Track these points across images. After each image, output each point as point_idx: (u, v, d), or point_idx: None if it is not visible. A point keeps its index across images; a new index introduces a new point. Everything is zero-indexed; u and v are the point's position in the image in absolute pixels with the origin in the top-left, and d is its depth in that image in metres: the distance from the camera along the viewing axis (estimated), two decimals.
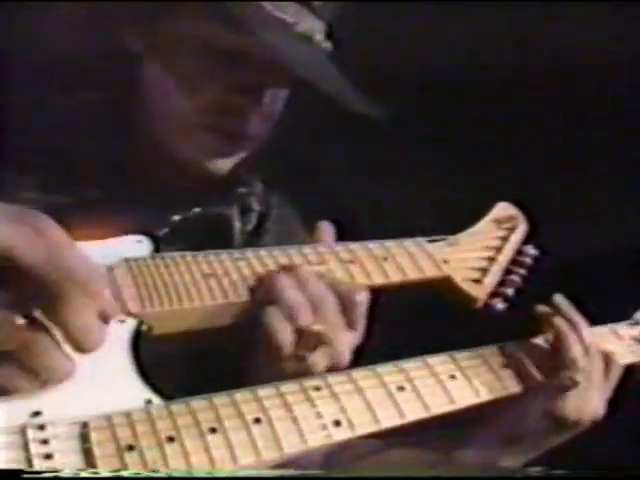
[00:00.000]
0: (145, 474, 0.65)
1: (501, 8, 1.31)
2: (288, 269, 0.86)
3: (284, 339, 0.81)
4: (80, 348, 0.66)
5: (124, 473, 0.65)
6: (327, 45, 1.00)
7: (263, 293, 0.84)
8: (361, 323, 0.86)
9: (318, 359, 0.83)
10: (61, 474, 0.63)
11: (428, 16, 1.32)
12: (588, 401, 0.90)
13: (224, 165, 1.04)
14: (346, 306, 0.84)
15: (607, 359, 0.92)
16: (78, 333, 0.65)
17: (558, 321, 0.91)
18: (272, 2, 0.95)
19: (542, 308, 0.94)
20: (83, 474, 0.64)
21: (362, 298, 0.85)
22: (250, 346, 0.85)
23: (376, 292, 0.89)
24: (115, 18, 0.97)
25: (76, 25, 0.97)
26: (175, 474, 0.66)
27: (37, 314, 0.65)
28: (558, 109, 1.43)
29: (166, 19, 0.97)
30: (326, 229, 0.94)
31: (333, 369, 0.83)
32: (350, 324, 0.84)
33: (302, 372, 0.80)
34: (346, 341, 0.84)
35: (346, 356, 0.84)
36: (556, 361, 0.89)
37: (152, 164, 1.01)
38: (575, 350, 0.89)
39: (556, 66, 1.42)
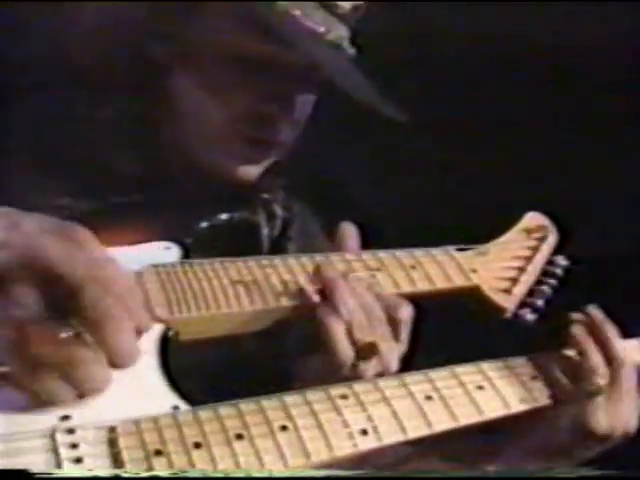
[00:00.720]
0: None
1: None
2: (344, 276, 0.87)
3: (345, 351, 0.84)
4: (117, 364, 0.69)
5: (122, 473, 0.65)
6: (352, 51, 1.00)
7: (323, 299, 0.86)
8: (406, 334, 0.88)
9: (369, 368, 0.85)
10: (62, 474, 0.63)
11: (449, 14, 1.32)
12: (619, 413, 0.88)
13: (254, 172, 1.05)
14: (393, 318, 0.86)
15: (638, 372, 0.91)
16: (117, 350, 0.68)
17: (578, 329, 0.90)
18: (303, 13, 0.95)
19: (567, 317, 0.93)
20: (84, 474, 0.64)
21: (408, 313, 0.88)
22: (303, 348, 0.88)
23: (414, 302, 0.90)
24: (144, 28, 0.98)
25: (106, 35, 0.98)
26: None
27: (78, 328, 0.67)
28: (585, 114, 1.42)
29: (197, 29, 0.98)
30: (349, 230, 0.95)
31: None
32: (396, 336, 0.87)
33: (353, 379, 0.82)
34: (393, 351, 0.86)
35: (394, 366, 0.86)
36: (580, 370, 0.88)
37: (181, 172, 1.02)
38: (595, 356, 0.88)
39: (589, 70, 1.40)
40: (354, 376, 0.83)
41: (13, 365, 0.65)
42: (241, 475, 0.67)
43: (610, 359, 0.89)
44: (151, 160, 1.01)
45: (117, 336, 0.67)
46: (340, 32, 0.99)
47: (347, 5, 0.98)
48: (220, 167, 1.02)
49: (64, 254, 0.65)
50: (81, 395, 0.67)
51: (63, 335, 0.66)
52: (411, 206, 1.07)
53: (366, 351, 0.83)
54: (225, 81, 0.97)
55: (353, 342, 0.83)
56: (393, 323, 0.86)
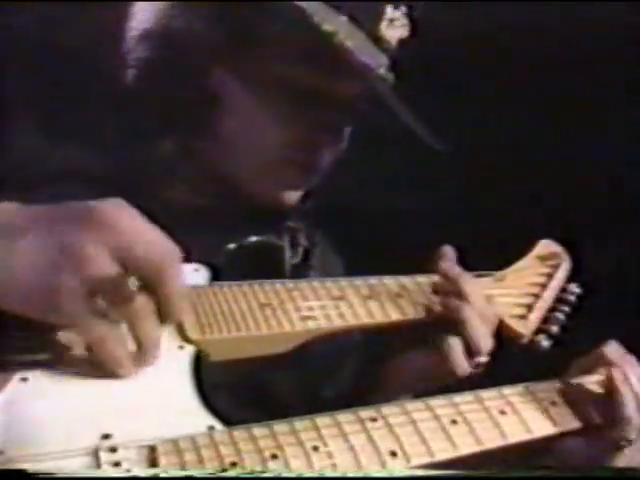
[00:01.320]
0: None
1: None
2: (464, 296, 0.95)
3: (464, 370, 0.94)
4: (145, 361, 0.75)
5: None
6: (390, 77, 1.03)
7: (444, 317, 0.95)
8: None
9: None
10: (62, 474, 0.65)
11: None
12: None
13: (294, 197, 1.07)
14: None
15: None
16: (151, 346, 0.75)
17: (614, 372, 0.88)
18: (357, 47, 0.98)
19: (596, 353, 0.93)
20: (87, 474, 0.66)
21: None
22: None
23: None
24: (201, 55, 1.01)
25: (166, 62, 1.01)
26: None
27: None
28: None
29: (258, 57, 1.00)
30: (449, 253, 1.00)
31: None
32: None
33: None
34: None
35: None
36: (609, 413, 0.88)
37: (216, 195, 1.04)
38: (630, 407, 0.87)
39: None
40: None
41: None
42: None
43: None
44: (196, 186, 1.03)
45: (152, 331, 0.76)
46: (382, 61, 1.01)
47: (394, 41, 1.01)
48: (266, 192, 1.04)
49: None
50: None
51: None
52: (430, 233, 1.09)
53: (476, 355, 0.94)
54: (279, 109, 1.00)
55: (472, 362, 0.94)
56: None
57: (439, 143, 0.99)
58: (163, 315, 0.76)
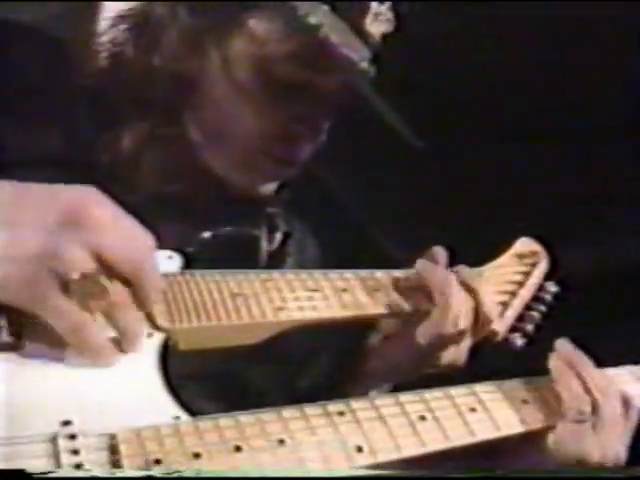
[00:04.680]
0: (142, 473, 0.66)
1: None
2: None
3: (448, 332, 0.93)
4: (127, 350, 0.75)
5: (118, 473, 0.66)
6: (372, 71, 1.03)
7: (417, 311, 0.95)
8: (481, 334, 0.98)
9: (448, 356, 0.96)
10: (63, 474, 0.64)
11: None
12: (606, 443, 0.89)
13: (270, 188, 1.07)
14: (480, 320, 0.96)
15: (625, 401, 0.92)
16: (133, 335, 0.75)
17: (554, 362, 0.91)
18: (341, 41, 0.97)
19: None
20: (84, 474, 0.65)
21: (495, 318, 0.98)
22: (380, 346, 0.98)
23: None
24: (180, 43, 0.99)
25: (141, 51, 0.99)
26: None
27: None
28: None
29: (239, 44, 0.99)
30: (440, 255, 1.00)
31: (452, 367, 0.97)
32: (476, 333, 0.97)
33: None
34: (467, 344, 0.97)
35: (464, 358, 0.97)
36: (561, 402, 0.89)
37: (190, 182, 1.02)
38: (573, 387, 0.89)
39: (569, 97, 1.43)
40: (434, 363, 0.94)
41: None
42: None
43: (588, 389, 0.90)
44: (169, 173, 1.02)
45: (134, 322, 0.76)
46: (364, 55, 1.01)
47: (378, 35, 1.01)
48: (240, 181, 1.03)
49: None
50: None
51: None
52: (408, 228, 1.09)
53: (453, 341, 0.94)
54: (258, 99, 0.99)
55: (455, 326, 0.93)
56: (478, 319, 0.96)
57: (418, 139, 0.98)
58: (139, 305, 0.76)
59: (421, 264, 0.98)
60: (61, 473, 0.64)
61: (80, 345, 0.72)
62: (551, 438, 0.87)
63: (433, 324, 0.93)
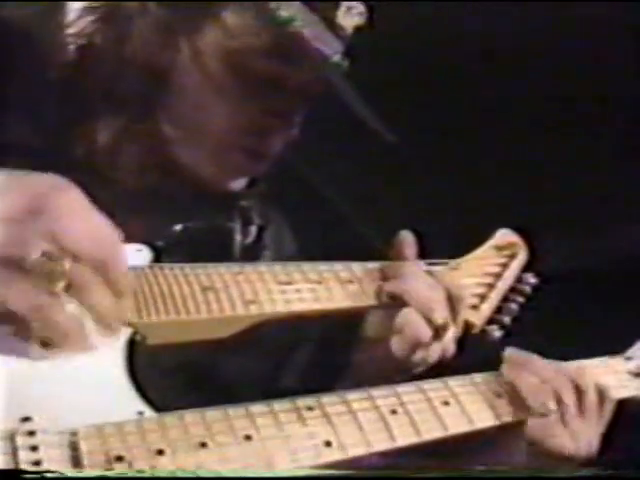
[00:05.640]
0: (131, 474, 0.65)
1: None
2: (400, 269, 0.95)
3: (425, 335, 0.92)
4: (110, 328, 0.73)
5: (110, 474, 0.65)
6: (345, 65, 1.01)
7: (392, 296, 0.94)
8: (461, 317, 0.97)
9: (436, 351, 0.94)
10: (61, 474, 0.63)
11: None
12: (579, 434, 0.89)
13: (241, 183, 1.05)
14: (454, 304, 0.94)
15: (600, 392, 0.92)
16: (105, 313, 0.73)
17: (507, 370, 0.91)
18: (313, 35, 0.96)
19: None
20: (82, 474, 0.64)
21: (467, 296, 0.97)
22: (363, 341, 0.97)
23: None
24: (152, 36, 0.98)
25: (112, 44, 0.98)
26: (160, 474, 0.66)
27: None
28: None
29: (210, 37, 0.98)
30: (408, 239, 0.99)
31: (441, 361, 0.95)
32: (454, 318, 0.95)
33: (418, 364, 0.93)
34: (453, 336, 0.95)
35: (453, 348, 0.95)
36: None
37: (162, 174, 1.01)
38: (531, 383, 0.88)
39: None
40: (422, 362, 0.93)
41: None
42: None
43: (546, 382, 0.90)
44: (141, 166, 1.00)
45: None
46: (337, 48, 0.99)
47: (350, 27, 0.99)
48: (213, 176, 1.02)
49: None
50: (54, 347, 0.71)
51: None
52: (386, 219, 1.08)
53: (441, 330, 0.92)
54: (230, 92, 0.98)
55: (430, 322, 0.91)
56: (454, 308, 0.94)
57: (390, 133, 0.97)
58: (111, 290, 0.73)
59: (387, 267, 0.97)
60: (63, 473, 0.63)
61: (44, 325, 0.70)
62: (523, 434, 0.86)
63: (407, 330, 0.92)
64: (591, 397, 0.90)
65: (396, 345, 0.92)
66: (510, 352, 0.93)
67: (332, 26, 0.98)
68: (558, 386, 0.89)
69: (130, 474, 0.65)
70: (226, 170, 1.03)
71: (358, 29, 1.00)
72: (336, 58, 1.00)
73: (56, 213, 0.70)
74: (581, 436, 0.89)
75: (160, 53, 0.98)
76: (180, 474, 0.67)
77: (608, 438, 0.91)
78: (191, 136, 1.00)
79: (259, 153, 1.02)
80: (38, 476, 0.62)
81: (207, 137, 1.00)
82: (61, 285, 0.70)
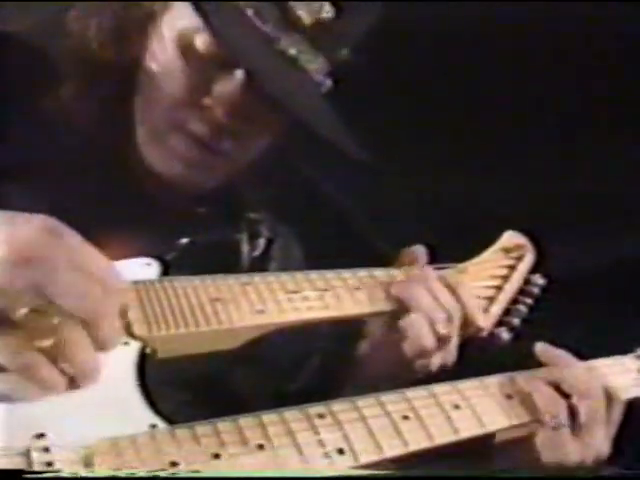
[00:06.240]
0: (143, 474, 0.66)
1: None
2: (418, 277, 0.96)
3: (429, 343, 0.93)
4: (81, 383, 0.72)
5: (120, 474, 0.65)
6: (328, 82, 1.00)
7: (399, 301, 0.95)
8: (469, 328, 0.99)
9: (437, 359, 0.95)
10: (61, 474, 0.64)
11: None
12: (588, 446, 0.88)
13: (203, 178, 1.02)
14: (466, 318, 0.96)
15: (609, 395, 0.91)
16: (88, 370, 0.72)
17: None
18: (258, 14, 0.95)
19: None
20: (83, 474, 0.64)
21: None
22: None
23: None
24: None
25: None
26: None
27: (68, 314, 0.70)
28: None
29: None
30: (420, 253, 1.00)
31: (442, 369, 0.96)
32: (462, 327, 0.97)
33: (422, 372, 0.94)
34: (456, 345, 0.97)
35: (453, 359, 0.96)
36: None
37: (158, 186, 1.01)
38: (545, 393, 0.88)
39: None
40: (424, 369, 0.94)
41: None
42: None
43: (562, 393, 0.89)
44: (132, 173, 1.01)
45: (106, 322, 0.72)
46: (314, 62, 0.98)
47: (308, 18, 0.96)
48: (166, 168, 1.00)
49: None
50: (71, 380, 0.71)
51: (55, 321, 0.70)
52: (393, 225, 1.08)
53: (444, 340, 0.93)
54: (175, 69, 0.97)
55: (435, 334, 0.93)
56: (466, 321, 0.96)
57: (362, 153, 0.97)
58: (95, 345, 0.72)
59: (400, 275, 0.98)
60: (62, 473, 0.64)
61: (30, 383, 0.70)
62: (533, 444, 0.86)
63: (410, 336, 0.93)
64: (601, 404, 0.89)
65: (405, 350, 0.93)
66: (541, 347, 0.93)
67: (291, 19, 0.95)
68: (574, 396, 0.88)
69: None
70: (172, 157, 0.99)
71: (319, 23, 0.97)
72: (319, 77, 0.99)
73: (44, 264, 0.68)
74: (591, 446, 0.88)
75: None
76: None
77: (620, 438, 0.90)
78: (144, 131, 0.99)
79: (197, 137, 0.98)
80: (37, 476, 0.63)
81: (150, 125, 0.99)
82: (49, 342, 0.70)
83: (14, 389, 0.69)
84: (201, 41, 0.95)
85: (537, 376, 0.89)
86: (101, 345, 0.72)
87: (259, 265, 1.08)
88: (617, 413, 0.90)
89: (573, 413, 0.88)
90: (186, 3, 0.96)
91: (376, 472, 0.74)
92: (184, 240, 1.01)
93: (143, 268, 0.90)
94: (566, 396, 0.89)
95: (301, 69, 0.97)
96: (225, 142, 1.00)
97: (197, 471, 0.67)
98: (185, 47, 0.96)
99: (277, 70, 0.96)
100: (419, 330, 0.93)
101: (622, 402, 0.91)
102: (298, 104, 0.96)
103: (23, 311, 0.68)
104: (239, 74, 0.95)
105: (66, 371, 0.71)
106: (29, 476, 0.63)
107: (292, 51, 0.96)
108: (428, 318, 0.93)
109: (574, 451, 0.87)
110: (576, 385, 0.89)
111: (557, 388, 0.89)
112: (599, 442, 0.88)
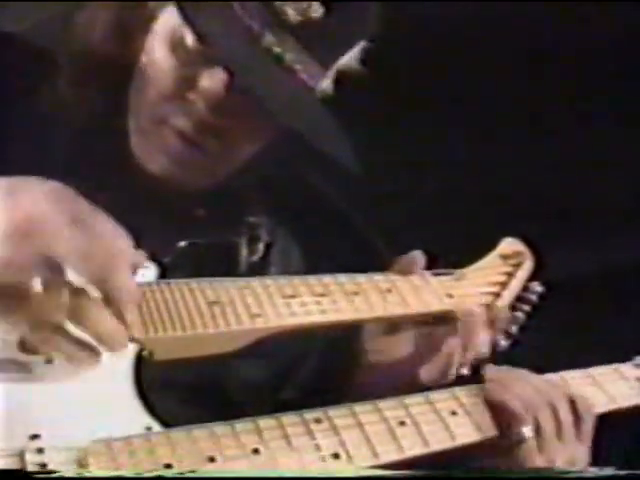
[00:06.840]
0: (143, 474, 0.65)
1: None
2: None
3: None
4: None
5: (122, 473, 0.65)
6: (328, 89, 1.00)
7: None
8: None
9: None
10: (61, 474, 0.64)
11: None
12: (555, 459, 0.87)
13: (191, 176, 1.01)
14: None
15: (574, 409, 0.90)
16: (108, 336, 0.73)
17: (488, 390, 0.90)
18: (242, 8, 0.94)
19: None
20: (85, 474, 0.64)
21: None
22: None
23: None
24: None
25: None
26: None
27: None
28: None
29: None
30: (418, 258, 0.99)
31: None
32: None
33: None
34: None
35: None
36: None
37: (148, 186, 1.01)
38: (510, 408, 0.88)
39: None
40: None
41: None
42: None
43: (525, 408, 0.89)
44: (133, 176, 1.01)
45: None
46: (282, 43, 0.95)
47: (295, 16, 0.95)
48: (154, 163, 0.99)
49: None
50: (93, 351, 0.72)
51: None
52: (391, 231, 1.08)
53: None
54: (164, 64, 0.96)
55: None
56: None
57: (356, 165, 0.96)
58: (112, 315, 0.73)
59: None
60: (62, 473, 0.64)
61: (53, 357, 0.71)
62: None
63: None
64: (567, 418, 0.89)
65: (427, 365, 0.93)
66: (491, 371, 0.93)
67: (277, 14, 0.94)
68: (536, 408, 0.88)
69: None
70: (159, 152, 0.98)
71: (308, 20, 0.95)
72: (320, 87, 0.98)
73: (45, 230, 0.68)
74: (557, 459, 0.87)
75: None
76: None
77: (619, 444, 0.90)
78: (147, 133, 0.98)
79: (182, 130, 0.97)
80: (37, 476, 0.63)
81: (137, 120, 0.98)
82: (62, 316, 0.70)
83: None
84: (191, 37, 0.95)
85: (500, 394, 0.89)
86: (115, 307, 0.72)
87: (258, 269, 1.07)
88: (586, 428, 0.90)
89: (537, 427, 0.87)
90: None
91: (376, 472, 0.74)
92: (182, 243, 1.01)
93: (140, 270, 0.90)
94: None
95: (287, 69, 0.96)
96: (209, 139, 0.98)
97: (193, 471, 0.67)
98: (175, 43, 0.96)
99: (261, 68, 0.95)
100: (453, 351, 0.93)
101: (592, 415, 0.91)
102: (286, 109, 0.95)
103: (37, 284, 0.68)
104: (221, 71, 0.94)
105: (86, 341, 0.71)
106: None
107: (277, 49, 0.95)
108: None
109: (541, 463, 0.86)
110: (535, 401, 0.89)
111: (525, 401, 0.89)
112: (566, 457, 0.88)
